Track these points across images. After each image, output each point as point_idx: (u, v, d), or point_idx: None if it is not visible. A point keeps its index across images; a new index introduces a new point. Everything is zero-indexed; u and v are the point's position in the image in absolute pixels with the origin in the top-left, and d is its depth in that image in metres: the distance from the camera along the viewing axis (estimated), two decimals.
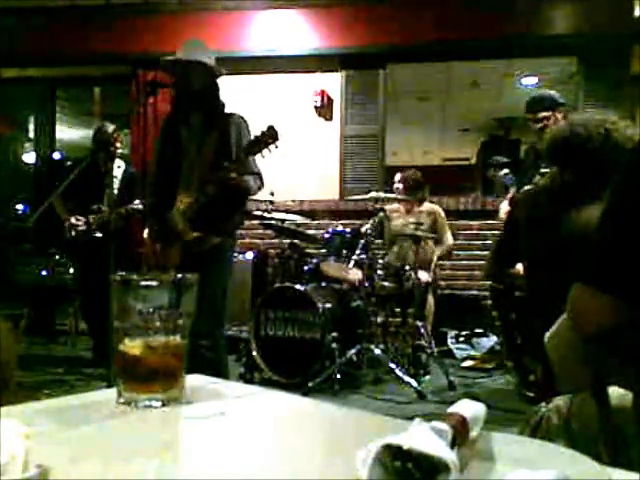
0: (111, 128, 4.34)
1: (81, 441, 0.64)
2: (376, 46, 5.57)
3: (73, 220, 4.24)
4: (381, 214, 4.27)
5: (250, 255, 4.98)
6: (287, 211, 4.69)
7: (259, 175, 2.88)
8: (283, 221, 4.31)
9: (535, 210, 2.09)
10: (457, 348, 4.89)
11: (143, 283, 0.76)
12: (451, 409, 0.58)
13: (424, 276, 4.23)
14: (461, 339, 4.96)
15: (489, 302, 4.52)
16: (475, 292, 5.29)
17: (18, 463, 0.46)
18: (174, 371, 0.77)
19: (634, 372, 1.00)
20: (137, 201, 4.20)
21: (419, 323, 4.07)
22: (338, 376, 3.56)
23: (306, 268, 4.30)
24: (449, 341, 4.96)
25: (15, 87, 6.60)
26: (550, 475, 0.48)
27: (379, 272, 3.96)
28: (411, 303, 4.11)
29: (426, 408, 3.30)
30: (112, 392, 0.78)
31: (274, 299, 3.92)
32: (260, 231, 5.08)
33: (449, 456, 0.47)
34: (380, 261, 4.06)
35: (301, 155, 5.65)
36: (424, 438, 0.49)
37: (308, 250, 4.59)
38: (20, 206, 6.86)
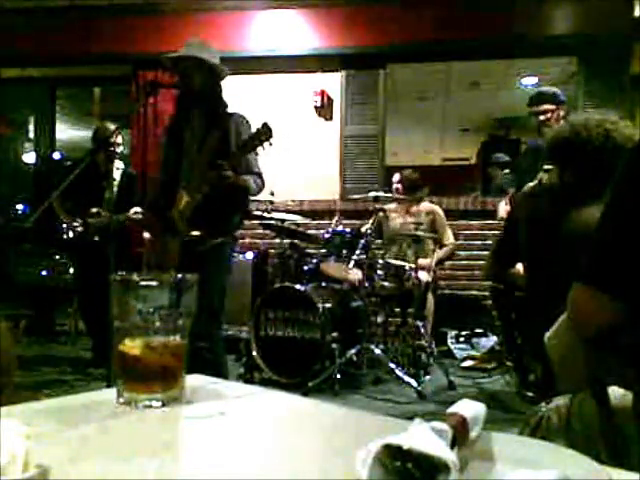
0: (111, 128, 4.33)
1: (81, 441, 0.64)
2: (376, 46, 5.57)
3: (72, 222, 4.22)
4: (380, 214, 4.27)
5: (250, 255, 4.97)
6: (287, 211, 4.69)
7: (260, 175, 2.86)
8: (283, 221, 4.30)
9: (535, 210, 2.09)
10: (457, 348, 4.89)
11: (143, 283, 0.76)
12: (451, 409, 0.58)
13: (424, 276, 4.23)
14: (461, 339, 4.96)
15: (489, 302, 4.51)
16: (475, 292, 5.28)
17: (18, 463, 0.46)
18: (174, 371, 0.77)
19: (634, 372, 1.00)
20: (136, 209, 4.09)
21: (419, 323, 4.07)
22: (338, 376, 3.56)
23: (306, 268, 4.30)
24: (449, 341, 4.96)
25: (15, 87, 6.59)
26: (550, 475, 0.48)
27: (379, 272, 3.96)
28: (411, 303, 4.11)
29: (426, 408, 3.30)
30: (112, 392, 0.78)
31: (274, 299, 3.92)
32: (260, 231, 5.07)
33: (449, 456, 0.47)
34: (380, 261, 4.06)
35: (301, 155, 5.65)
36: (424, 438, 0.49)
37: (308, 250, 4.59)
38: (20, 206, 6.87)
